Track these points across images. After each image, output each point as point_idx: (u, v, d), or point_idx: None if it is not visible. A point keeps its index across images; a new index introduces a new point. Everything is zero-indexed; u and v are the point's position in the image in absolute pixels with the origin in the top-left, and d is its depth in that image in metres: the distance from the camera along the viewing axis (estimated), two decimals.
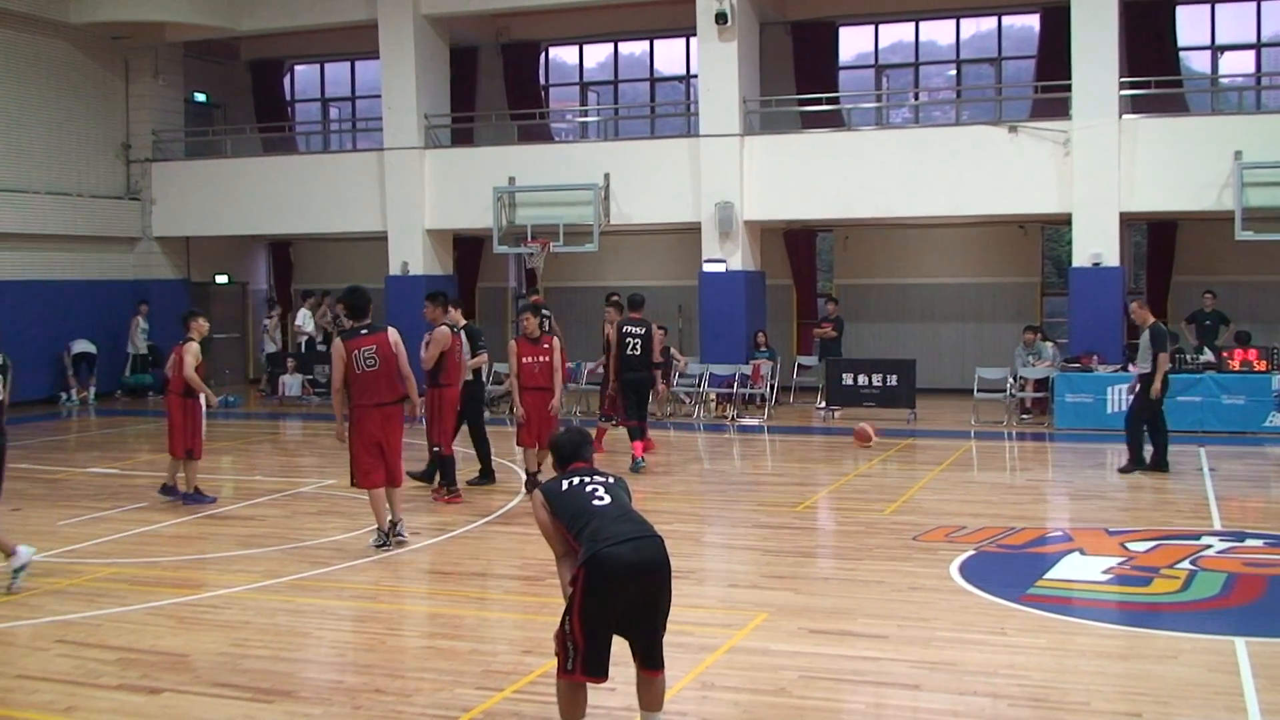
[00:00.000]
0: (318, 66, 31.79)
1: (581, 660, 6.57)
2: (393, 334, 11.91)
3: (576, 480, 6.80)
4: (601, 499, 6.67)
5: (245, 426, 22.92)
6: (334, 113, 32.04)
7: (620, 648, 6.66)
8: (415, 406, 12.56)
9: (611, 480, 6.87)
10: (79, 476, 17.00)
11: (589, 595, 6.48)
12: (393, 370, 11.77)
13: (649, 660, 6.72)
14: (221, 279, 29.95)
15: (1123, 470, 16.19)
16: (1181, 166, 21.50)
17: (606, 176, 24.32)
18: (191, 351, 14.20)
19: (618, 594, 6.51)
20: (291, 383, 26.10)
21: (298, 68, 31.98)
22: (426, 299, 14.53)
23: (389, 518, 11.97)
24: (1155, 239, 25.58)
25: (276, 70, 31.40)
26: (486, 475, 15.54)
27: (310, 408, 25.37)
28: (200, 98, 30.72)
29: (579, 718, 6.78)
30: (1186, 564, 11.00)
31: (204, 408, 14.56)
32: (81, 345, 26.33)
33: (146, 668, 8.38)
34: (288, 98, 31.89)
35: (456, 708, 7.53)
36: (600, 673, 6.61)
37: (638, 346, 17.01)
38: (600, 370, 19.27)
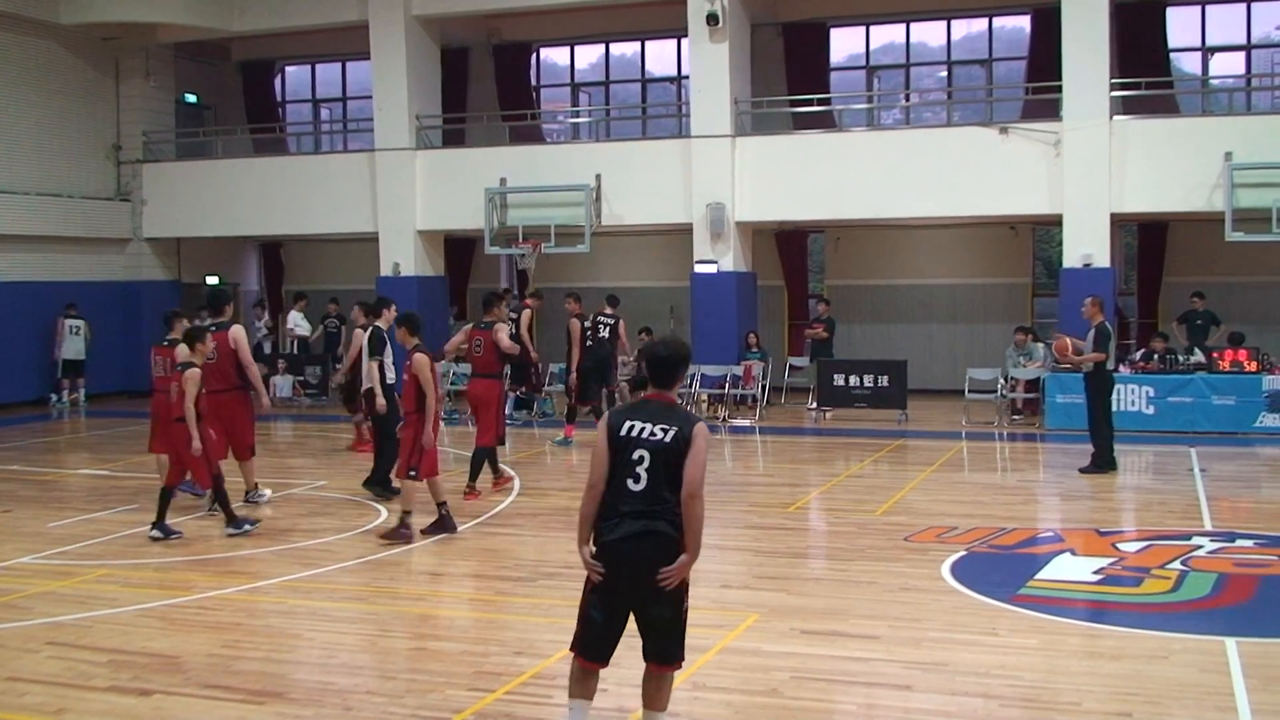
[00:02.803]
0: (308, 67, 31.73)
1: (577, 637, 6.61)
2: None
3: (637, 430, 6.46)
4: (639, 480, 6.41)
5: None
6: (325, 114, 31.99)
7: (624, 648, 6.63)
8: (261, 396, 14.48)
9: (668, 440, 6.40)
10: (69, 478, 16.97)
11: (606, 570, 6.47)
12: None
13: (653, 654, 6.58)
14: (212, 280, 29.88)
15: (1084, 470, 16.19)
16: (1172, 168, 21.53)
17: (598, 177, 24.32)
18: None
19: (613, 583, 6.46)
20: (282, 384, 26.05)
21: (288, 69, 31.93)
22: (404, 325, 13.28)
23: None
24: (1146, 240, 25.63)
25: (267, 71, 31.37)
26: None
27: (301, 409, 25.34)
28: (191, 98, 30.63)
29: (579, 695, 6.66)
30: (1177, 564, 11.02)
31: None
32: (70, 347, 26.23)
33: (137, 669, 8.37)
34: (279, 99, 31.84)
35: (448, 709, 7.52)
36: (588, 655, 6.57)
37: (607, 331, 20.01)
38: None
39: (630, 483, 6.42)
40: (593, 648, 6.56)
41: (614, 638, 6.57)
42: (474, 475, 14.75)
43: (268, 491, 14.60)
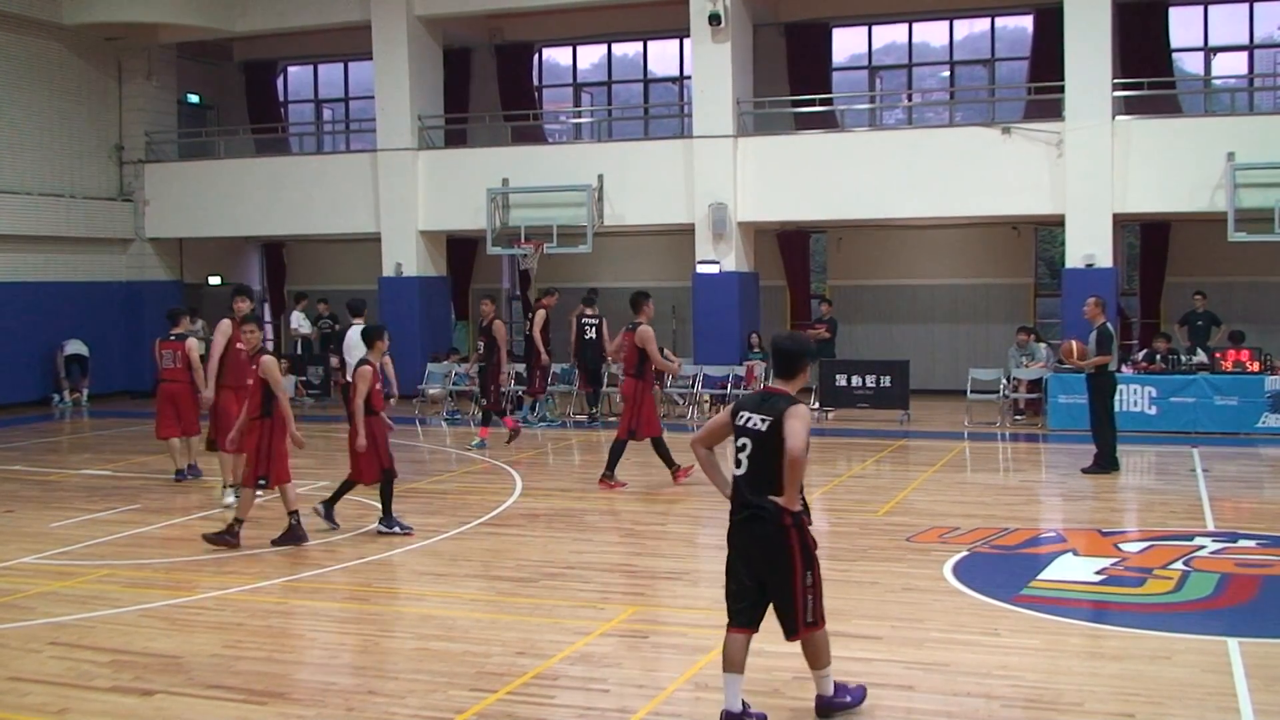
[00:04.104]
0: (311, 68, 31.74)
1: (727, 605, 7.22)
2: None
3: (744, 419, 7.16)
4: (740, 466, 7.13)
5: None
6: (327, 114, 31.99)
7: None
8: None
9: (765, 429, 7.04)
10: (71, 478, 16.98)
11: (728, 543, 7.26)
12: None
13: (785, 629, 7.13)
14: (214, 280, 29.90)
15: (1086, 470, 16.19)
16: (1174, 168, 21.52)
17: (600, 178, 24.33)
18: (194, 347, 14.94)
19: (734, 556, 7.19)
20: (285, 384, 26.03)
21: (291, 69, 31.93)
22: (253, 323, 13.22)
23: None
24: (1148, 240, 25.60)
25: (270, 71, 31.36)
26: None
27: (304, 409, 25.31)
28: (193, 99, 30.65)
29: (730, 670, 7.10)
30: (1179, 565, 11.01)
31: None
32: (74, 346, 26.28)
33: (139, 669, 8.37)
34: (281, 99, 31.83)
35: (450, 709, 7.52)
36: (730, 620, 7.16)
37: (594, 332, 21.21)
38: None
39: (737, 469, 7.16)
40: (731, 614, 7.16)
41: (747, 606, 7.12)
42: (610, 466, 15.43)
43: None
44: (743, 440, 7.13)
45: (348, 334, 16.35)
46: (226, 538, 12.10)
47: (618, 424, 16.02)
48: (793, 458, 6.87)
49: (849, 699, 7.33)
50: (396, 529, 12.61)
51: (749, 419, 7.13)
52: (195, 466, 16.29)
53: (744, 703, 7.07)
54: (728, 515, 7.25)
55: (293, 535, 12.17)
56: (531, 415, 22.01)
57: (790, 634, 7.11)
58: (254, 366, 12.40)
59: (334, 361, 18.62)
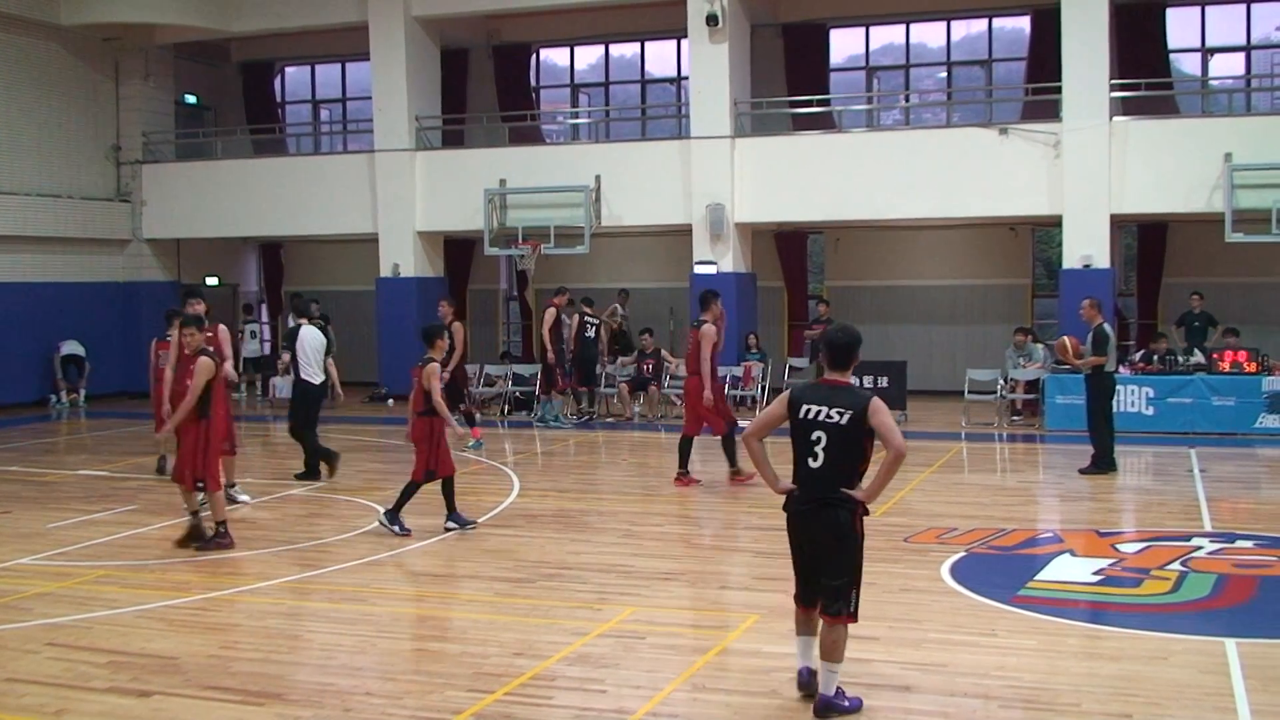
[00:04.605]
0: (308, 68, 31.73)
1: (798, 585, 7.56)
2: None
3: (814, 413, 7.29)
4: (816, 459, 7.26)
5: (236, 428, 22.77)
6: (325, 114, 31.98)
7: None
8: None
9: (844, 423, 7.22)
10: (69, 479, 16.96)
11: (788, 536, 7.51)
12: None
13: (824, 608, 7.35)
14: (212, 281, 29.87)
15: (1083, 470, 16.19)
16: (1172, 169, 21.53)
17: (597, 178, 24.32)
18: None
19: (797, 544, 7.46)
20: (282, 385, 25.99)
21: (288, 69, 31.93)
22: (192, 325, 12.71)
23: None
24: (1145, 241, 25.63)
25: (267, 72, 31.37)
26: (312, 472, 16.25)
27: None
28: (190, 99, 30.64)
29: (802, 633, 7.59)
30: (1177, 565, 11.02)
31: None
32: (71, 347, 26.27)
33: (137, 670, 8.37)
34: (278, 99, 31.84)
35: (447, 710, 7.52)
36: (797, 599, 7.55)
37: (594, 331, 22.60)
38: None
39: (810, 461, 7.27)
40: (799, 595, 7.54)
41: (812, 587, 7.42)
42: (682, 463, 15.71)
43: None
44: (817, 434, 7.24)
45: (299, 333, 16.22)
46: (218, 541, 12.06)
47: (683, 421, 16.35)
48: (900, 453, 7.11)
49: (847, 704, 7.35)
50: (396, 528, 12.62)
51: (820, 412, 7.25)
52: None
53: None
54: (783, 507, 7.49)
55: (219, 542, 12.03)
56: (562, 415, 22.03)
57: (825, 614, 7.33)
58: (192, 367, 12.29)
59: (283, 359, 18.49)
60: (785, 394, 7.53)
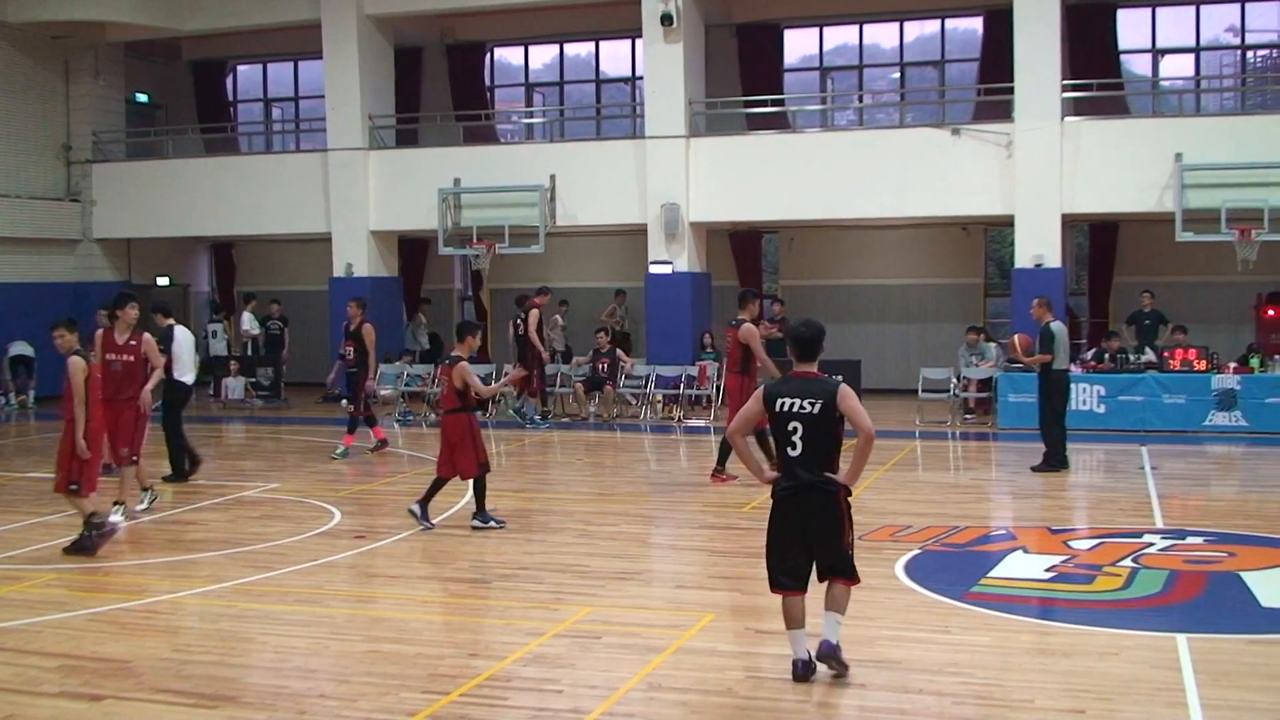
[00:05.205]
0: (260, 67, 31.54)
1: (770, 579, 7.97)
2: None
3: (789, 405, 7.78)
4: (795, 448, 7.77)
5: (187, 430, 22.58)
6: (277, 113, 31.80)
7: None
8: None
9: (816, 412, 7.72)
10: (17, 481, 16.80)
11: (770, 522, 7.96)
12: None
13: (827, 571, 7.88)
14: (163, 281, 29.65)
15: (1036, 468, 16.31)
16: (1123, 168, 21.72)
17: (552, 178, 24.29)
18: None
19: (787, 527, 7.86)
20: (234, 386, 25.87)
21: (240, 68, 31.73)
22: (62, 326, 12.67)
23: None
24: (1097, 240, 25.84)
25: (219, 70, 31.15)
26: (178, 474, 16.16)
27: (253, 410, 25.18)
28: (142, 98, 30.39)
29: (793, 626, 7.92)
30: (1128, 562, 11.11)
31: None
32: (20, 348, 25.99)
33: (88, 675, 8.28)
34: (230, 98, 31.64)
35: (402, 712, 7.49)
36: (787, 587, 7.87)
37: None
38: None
39: (790, 450, 7.78)
40: (783, 583, 7.88)
41: (797, 570, 7.84)
42: (721, 460, 15.78)
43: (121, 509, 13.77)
44: (793, 424, 7.76)
45: (174, 333, 15.92)
46: (85, 541, 11.77)
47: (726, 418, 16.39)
48: (869, 435, 7.69)
49: (843, 655, 7.89)
50: (492, 523, 12.84)
51: (794, 404, 7.76)
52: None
53: (809, 651, 7.89)
54: (770, 494, 7.95)
55: (83, 545, 11.80)
56: (537, 415, 21.93)
57: (842, 575, 7.88)
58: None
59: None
60: (760, 390, 8.07)
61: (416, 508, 12.96)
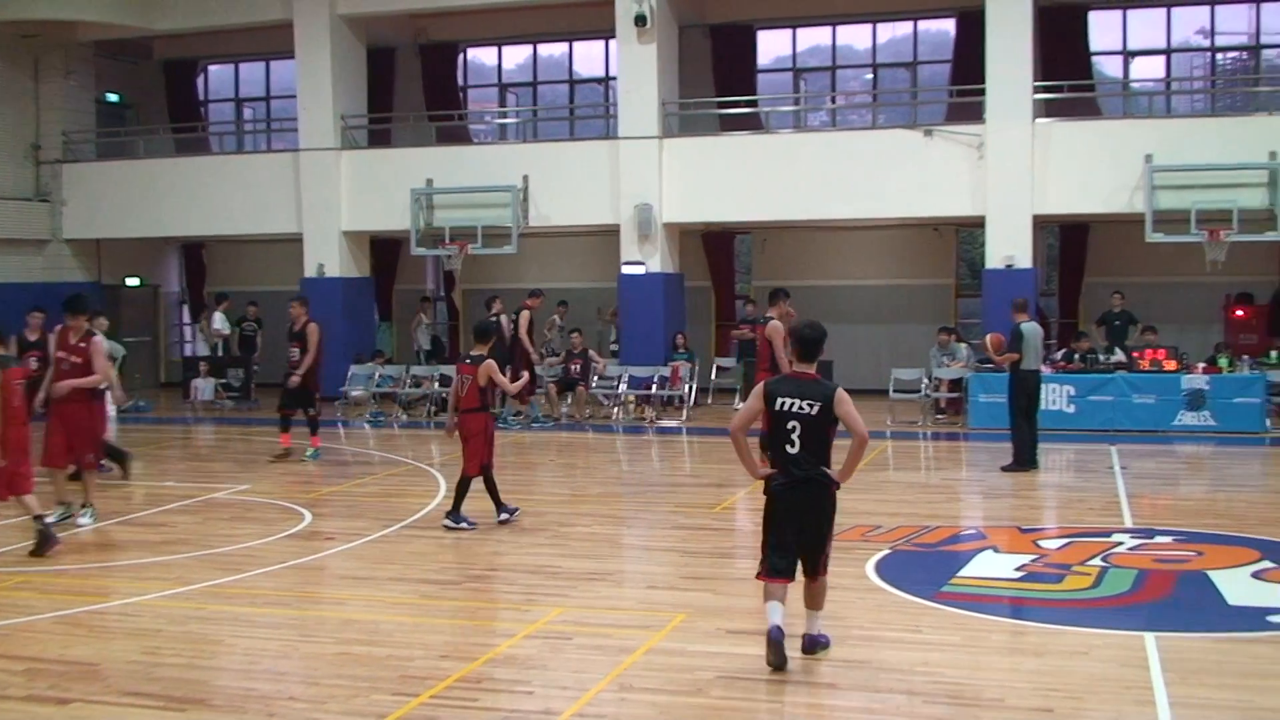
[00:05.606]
0: (232, 66, 31.42)
1: (761, 563, 8.25)
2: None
3: (788, 404, 8.19)
4: (794, 446, 8.17)
5: (156, 431, 22.57)
6: (248, 113, 31.68)
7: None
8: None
9: (814, 413, 8.19)
10: None
11: (766, 512, 8.28)
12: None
13: (808, 570, 8.26)
14: (133, 281, 29.50)
15: (1006, 468, 16.38)
16: (1093, 170, 21.83)
17: (525, 178, 24.25)
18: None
19: (783, 518, 8.20)
20: (204, 387, 25.76)
21: (212, 68, 31.60)
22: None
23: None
24: (1067, 241, 25.95)
25: (190, 70, 30.99)
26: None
27: (224, 412, 25.07)
28: (112, 98, 30.21)
29: (773, 598, 8.09)
30: (1098, 561, 11.15)
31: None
32: None
33: (55, 678, 8.23)
34: (201, 98, 31.50)
35: (372, 714, 7.46)
36: (774, 573, 8.15)
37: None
38: None
39: (788, 447, 8.17)
40: (773, 568, 8.16)
41: (790, 559, 8.18)
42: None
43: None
44: (792, 424, 8.16)
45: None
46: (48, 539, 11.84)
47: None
48: (863, 439, 8.21)
49: (823, 638, 8.42)
50: (463, 524, 12.83)
51: (794, 404, 8.18)
52: (104, 465, 15.60)
53: (784, 620, 8.10)
54: (763, 489, 8.31)
55: (46, 541, 11.84)
56: (514, 418, 21.84)
57: (812, 576, 8.27)
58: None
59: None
60: (760, 388, 8.45)
61: (449, 520, 12.93)
